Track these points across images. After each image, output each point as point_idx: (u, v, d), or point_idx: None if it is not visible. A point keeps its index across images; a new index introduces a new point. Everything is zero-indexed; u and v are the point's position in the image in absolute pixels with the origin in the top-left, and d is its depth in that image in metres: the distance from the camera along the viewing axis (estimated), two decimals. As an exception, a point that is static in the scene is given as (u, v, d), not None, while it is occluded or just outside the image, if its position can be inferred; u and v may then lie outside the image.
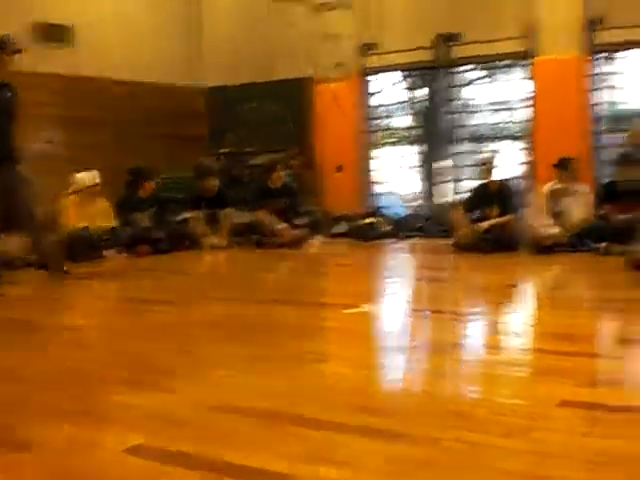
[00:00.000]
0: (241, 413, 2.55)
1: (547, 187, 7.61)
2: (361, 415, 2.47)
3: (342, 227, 9.55)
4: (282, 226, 8.59)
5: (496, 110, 10.86)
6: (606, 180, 8.10)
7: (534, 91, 9.27)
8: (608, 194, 7.39)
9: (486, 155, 8.68)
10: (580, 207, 7.46)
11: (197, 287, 6.05)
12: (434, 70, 10.19)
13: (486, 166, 7.90)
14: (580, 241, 7.28)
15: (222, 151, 10.66)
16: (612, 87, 9.72)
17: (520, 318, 4.50)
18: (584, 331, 3.89)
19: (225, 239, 8.64)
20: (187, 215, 8.76)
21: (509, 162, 10.39)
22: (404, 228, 9.61)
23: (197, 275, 7.20)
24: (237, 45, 10.80)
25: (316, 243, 8.67)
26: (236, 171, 10.26)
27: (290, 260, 7.99)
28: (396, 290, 5.88)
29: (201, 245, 8.49)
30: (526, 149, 10.03)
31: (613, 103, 9.67)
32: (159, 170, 8.99)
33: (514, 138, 10.73)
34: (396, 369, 3.26)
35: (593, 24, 8.81)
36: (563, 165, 7.51)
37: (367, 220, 9.62)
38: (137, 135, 9.87)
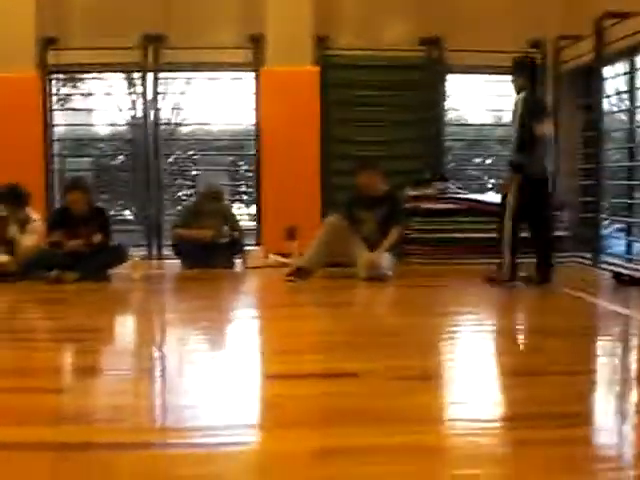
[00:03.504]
0: None
1: (-5, 213, 7.09)
2: None
3: None
4: None
5: None
6: (58, 206, 7.95)
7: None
8: (59, 221, 7.19)
9: None
10: (30, 234, 7.12)
11: None
12: None
13: None
14: (29, 269, 6.94)
15: None
16: (73, 109, 9.63)
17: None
18: (43, 364, 3.62)
19: None
20: None
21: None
22: None
23: None
24: None
25: None
26: None
27: None
28: None
29: None
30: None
31: (73, 126, 9.51)
32: None
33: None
34: None
35: (49, 43, 8.56)
36: (6, 190, 7.07)
37: None
38: None
